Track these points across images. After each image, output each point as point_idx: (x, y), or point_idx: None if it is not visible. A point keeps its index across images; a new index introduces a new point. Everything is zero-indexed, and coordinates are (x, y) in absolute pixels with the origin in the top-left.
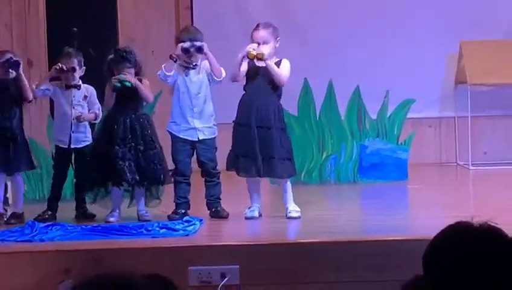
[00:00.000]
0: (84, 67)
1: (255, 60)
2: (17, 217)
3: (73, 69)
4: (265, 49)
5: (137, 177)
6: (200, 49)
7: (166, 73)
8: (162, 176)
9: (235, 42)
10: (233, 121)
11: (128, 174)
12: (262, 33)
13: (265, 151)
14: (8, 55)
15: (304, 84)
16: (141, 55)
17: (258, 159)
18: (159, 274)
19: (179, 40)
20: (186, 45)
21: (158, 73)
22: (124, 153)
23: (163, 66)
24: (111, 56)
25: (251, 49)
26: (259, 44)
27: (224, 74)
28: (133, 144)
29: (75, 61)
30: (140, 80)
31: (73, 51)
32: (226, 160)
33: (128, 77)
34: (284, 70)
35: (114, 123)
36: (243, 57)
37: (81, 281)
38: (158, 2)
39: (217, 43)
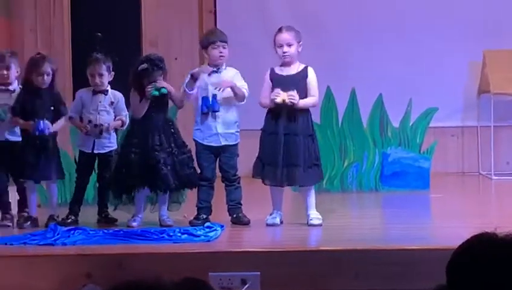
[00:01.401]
0: (113, 73)
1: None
2: (53, 219)
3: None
4: (296, 95)
5: (177, 182)
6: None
7: (188, 91)
8: (195, 180)
9: (258, 46)
10: (261, 129)
11: (171, 180)
12: (285, 35)
13: (291, 159)
14: (47, 67)
15: (327, 92)
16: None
17: (280, 168)
18: (192, 277)
19: (207, 43)
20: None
21: (183, 89)
22: (165, 158)
23: (184, 85)
24: (143, 66)
25: (280, 98)
26: (282, 46)
27: (246, 94)
28: (169, 149)
29: (104, 67)
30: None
31: (102, 56)
32: (252, 167)
33: (164, 83)
34: (313, 92)
35: (145, 130)
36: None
37: (109, 288)
38: (181, 6)
39: (240, 46)
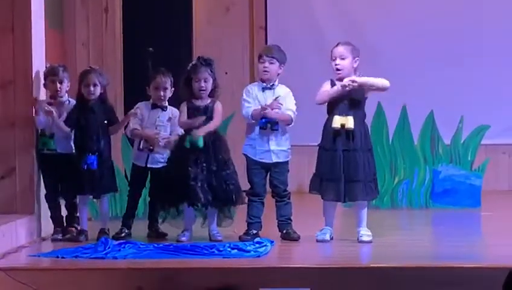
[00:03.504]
0: (173, 89)
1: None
2: (104, 232)
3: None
4: (351, 121)
5: (210, 198)
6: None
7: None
8: (234, 196)
9: (309, 61)
10: (317, 145)
11: (200, 195)
12: (340, 49)
13: (351, 175)
14: (94, 78)
15: (377, 109)
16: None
17: (341, 184)
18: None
19: (258, 57)
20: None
21: (249, 115)
22: (196, 173)
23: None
24: (192, 62)
25: (338, 123)
26: (335, 59)
27: (293, 117)
28: (205, 164)
29: (168, 81)
30: (213, 103)
31: (166, 70)
32: (302, 182)
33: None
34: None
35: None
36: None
37: None
38: (232, 22)
39: (291, 62)
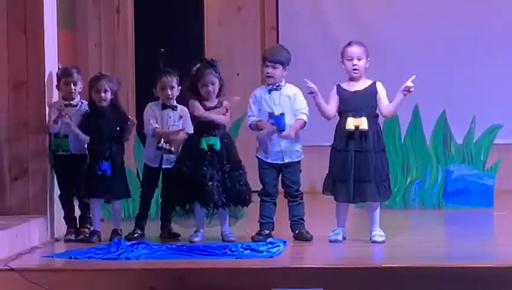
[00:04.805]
0: (180, 88)
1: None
2: (117, 233)
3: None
4: (364, 122)
5: (224, 199)
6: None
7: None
8: (247, 197)
9: (320, 61)
10: (330, 146)
11: (216, 196)
12: (356, 49)
13: (362, 175)
14: (105, 84)
15: None
16: (226, 75)
17: (351, 184)
18: None
19: (262, 60)
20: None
21: (248, 124)
22: (212, 174)
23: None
24: (196, 66)
25: (351, 125)
26: (352, 59)
27: (307, 119)
28: (219, 165)
29: (175, 80)
30: (221, 103)
31: (171, 70)
32: (314, 182)
33: (212, 115)
34: (387, 102)
35: (197, 144)
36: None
37: None
38: (244, 23)
39: (302, 62)
